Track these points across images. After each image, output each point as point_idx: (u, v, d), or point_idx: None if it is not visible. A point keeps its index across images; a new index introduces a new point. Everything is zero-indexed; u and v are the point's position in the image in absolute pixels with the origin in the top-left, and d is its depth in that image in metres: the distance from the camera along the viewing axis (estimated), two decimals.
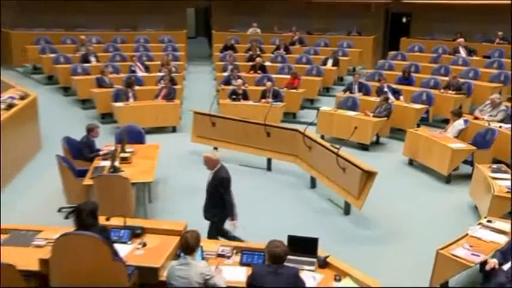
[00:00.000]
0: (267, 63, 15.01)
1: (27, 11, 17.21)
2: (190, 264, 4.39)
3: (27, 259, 4.84)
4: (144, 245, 5.11)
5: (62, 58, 14.61)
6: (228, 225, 6.24)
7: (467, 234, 5.91)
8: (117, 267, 4.54)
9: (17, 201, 8.04)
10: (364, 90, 12.67)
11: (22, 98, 10.10)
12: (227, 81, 13.29)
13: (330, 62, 15.18)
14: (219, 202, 6.17)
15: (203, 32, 22.63)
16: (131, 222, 5.48)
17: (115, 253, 4.60)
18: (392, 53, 16.27)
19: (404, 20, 19.33)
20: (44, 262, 4.70)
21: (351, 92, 12.57)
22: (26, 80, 14.72)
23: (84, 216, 4.63)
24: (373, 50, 17.66)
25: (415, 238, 7.13)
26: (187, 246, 4.42)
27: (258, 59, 14.70)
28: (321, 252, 5.05)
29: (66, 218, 7.41)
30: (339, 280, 4.71)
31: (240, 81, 12.56)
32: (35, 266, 4.76)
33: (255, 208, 7.97)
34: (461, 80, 12.57)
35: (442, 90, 12.30)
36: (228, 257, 5.05)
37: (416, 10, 18.18)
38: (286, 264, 4.42)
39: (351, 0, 17.84)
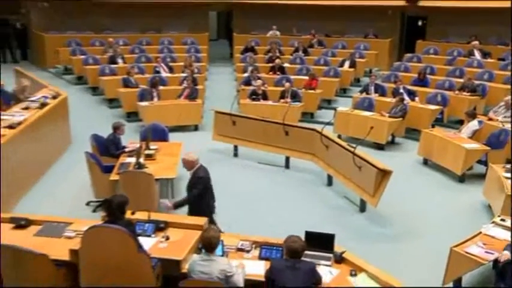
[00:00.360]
0: (286, 65, 14.96)
1: (59, 15, 17.44)
2: (212, 261, 4.40)
3: (58, 249, 4.93)
4: (167, 238, 5.13)
5: (91, 59, 14.78)
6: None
7: (480, 233, 5.85)
8: (142, 259, 4.57)
9: (48, 194, 8.16)
10: (380, 91, 12.57)
11: (54, 97, 10.25)
12: (247, 82, 13.30)
13: (347, 63, 15.09)
14: (200, 201, 6.15)
15: (224, 35, 22.65)
16: (155, 216, 5.50)
17: (140, 245, 4.64)
18: (408, 55, 16.09)
19: (420, 23, 19.13)
20: (74, 252, 4.75)
21: (367, 93, 12.48)
22: (57, 80, 14.93)
23: (113, 208, 4.70)
24: (389, 52, 17.52)
25: (429, 236, 7.08)
26: (210, 245, 4.44)
27: (277, 61, 14.67)
28: (337, 248, 5.04)
29: (94, 211, 7.50)
30: (355, 275, 4.70)
31: (259, 81, 12.55)
32: (65, 256, 4.82)
33: (273, 204, 8.00)
34: (476, 82, 12.42)
35: (456, 92, 12.17)
36: (248, 251, 5.05)
37: (432, 13, 17.97)
38: (303, 259, 4.42)
39: (368, 3, 17.70)
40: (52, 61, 16.42)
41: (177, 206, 6.16)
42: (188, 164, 6.14)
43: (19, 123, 8.32)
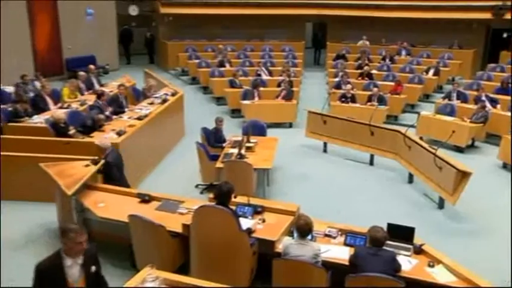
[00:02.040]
0: (374, 71, 14.54)
1: (180, 26, 18.21)
2: (306, 245, 4.39)
3: (173, 222, 5.15)
4: (264, 221, 5.17)
5: (204, 63, 15.27)
6: None
7: None
8: (242, 237, 4.65)
9: (165, 176, 8.53)
10: (462, 98, 11.83)
11: (173, 94, 10.68)
12: (338, 86, 13.08)
13: (431, 71, 14.38)
14: (111, 181, 6.32)
15: (314, 43, 22.44)
16: (253, 201, 5.55)
17: (240, 225, 4.70)
18: (491, 65, 15.01)
19: (505, 35, 17.73)
20: (185, 226, 4.94)
21: (450, 99, 11.82)
22: (176, 81, 15.60)
23: (221, 193, 4.80)
24: (473, 62, 16.43)
25: (504, 234, 6.56)
26: (307, 231, 4.43)
27: (366, 68, 14.32)
28: (417, 240, 4.83)
29: (201, 193, 7.72)
30: (433, 266, 4.49)
31: (349, 86, 12.30)
32: (178, 229, 5.03)
33: (358, 197, 7.81)
34: None
35: None
36: (334, 238, 4.98)
37: None
38: (385, 248, 4.29)
39: (454, 16, 16.72)
40: (172, 64, 17.22)
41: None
42: (100, 150, 6.36)
43: (146, 116, 8.79)
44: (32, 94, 10.62)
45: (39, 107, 9.57)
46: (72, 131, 7.97)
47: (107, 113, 8.88)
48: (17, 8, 14.35)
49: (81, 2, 16.48)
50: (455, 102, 11.51)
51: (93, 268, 3.63)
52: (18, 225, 6.30)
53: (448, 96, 11.97)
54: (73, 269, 3.51)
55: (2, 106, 9.74)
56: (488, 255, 6.04)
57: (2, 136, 7.66)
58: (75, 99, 10.61)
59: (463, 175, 6.96)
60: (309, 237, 4.61)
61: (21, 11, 14.55)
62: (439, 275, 4.38)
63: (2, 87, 11.27)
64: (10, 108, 9.20)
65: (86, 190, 6.02)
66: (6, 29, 13.86)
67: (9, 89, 11.52)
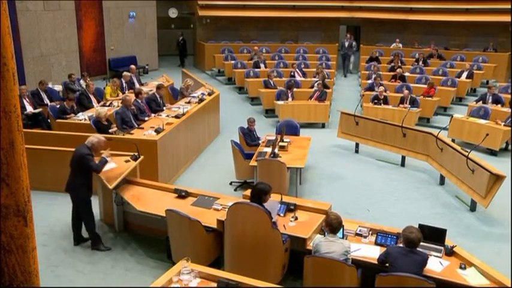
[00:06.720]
0: (407, 74, 14.22)
1: (217, 28, 18.41)
2: (336, 242, 4.35)
3: (208, 218, 5.19)
4: (296, 218, 5.15)
5: (239, 64, 15.32)
6: None
7: None
8: (275, 234, 4.64)
9: (201, 172, 8.61)
10: (497, 101, 11.45)
11: (209, 94, 10.74)
12: (370, 88, 12.89)
13: (464, 74, 13.96)
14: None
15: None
16: (286, 199, 5.52)
17: (273, 223, 4.70)
18: None
19: None
20: (220, 222, 4.98)
21: (484, 102, 11.45)
22: (212, 81, 15.70)
23: (257, 191, 4.79)
24: (508, 65, 15.87)
25: None
26: (338, 226, 4.39)
27: (398, 70, 14.02)
28: (448, 242, 4.71)
29: (235, 190, 7.74)
30: (464, 268, 4.36)
31: (381, 88, 12.07)
32: (213, 224, 5.07)
33: (389, 197, 7.68)
34: None
35: None
36: (365, 237, 4.90)
37: None
38: (418, 249, 4.20)
39: (489, 19, 16.18)
40: (209, 65, 17.37)
41: None
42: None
43: (183, 114, 8.88)
44: (77, 92, 10.94)
45: (83, 104, 9.86)
46: (113, 129, 8.15)
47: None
48: (67, 14, 14.84)
49: (124, 6, 16.88)
50: (490, 105, 11.14)
51: None
52: (65, 215, 6.49)
53: (482, 99, 11.60)
54: None
55: (50, 103, 10.12)
56: None
57: (50, 132, 7.91)
58: (116, 97, 10.86)
59: (497, 178, 6.74)
60: (340, 235, 4.57)
61: (71, 16, 15.02)
62: (470, 277, 4.26)
63: (51, 86, 11.67)
64: (58, 106, 9.54)
65: (126, 184, 6.14)
66: (57, 33, 14.36)
67: (58, 87, 11.93)
